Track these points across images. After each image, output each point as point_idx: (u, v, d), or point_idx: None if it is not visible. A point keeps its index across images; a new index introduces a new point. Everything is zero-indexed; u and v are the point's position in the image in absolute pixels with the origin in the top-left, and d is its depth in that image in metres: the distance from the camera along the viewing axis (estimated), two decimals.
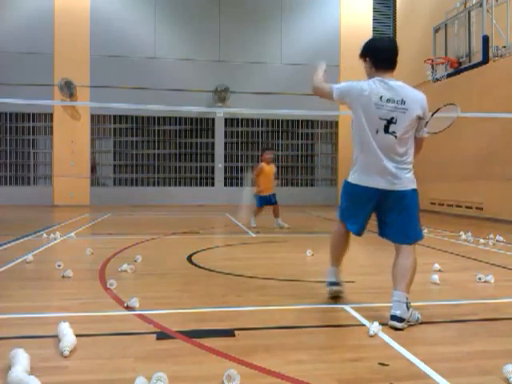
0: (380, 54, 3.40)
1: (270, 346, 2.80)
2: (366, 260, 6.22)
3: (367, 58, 3.44)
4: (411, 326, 3.21)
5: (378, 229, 3.53)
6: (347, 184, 3.52)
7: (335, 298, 3.82)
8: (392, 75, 3.41)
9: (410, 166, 3.36)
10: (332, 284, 3.78)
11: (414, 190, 3.37)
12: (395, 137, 3.25)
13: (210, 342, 2.84)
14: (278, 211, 9.47)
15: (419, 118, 3.32)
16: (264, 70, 17.74)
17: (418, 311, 3.26)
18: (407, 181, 3.32)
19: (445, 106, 3.56)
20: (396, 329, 3.10)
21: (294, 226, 9.60)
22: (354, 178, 3.45)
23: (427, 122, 3.40)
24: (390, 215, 3.38)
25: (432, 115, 3.45)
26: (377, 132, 3.27)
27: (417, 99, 3.31)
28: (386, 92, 3.28)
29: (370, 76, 3.44)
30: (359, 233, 3.56)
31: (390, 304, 3.22)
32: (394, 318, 3.13)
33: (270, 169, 9.40)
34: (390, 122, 3.24)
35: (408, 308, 3.16)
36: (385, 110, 3.25)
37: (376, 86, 3.31)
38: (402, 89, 3.31)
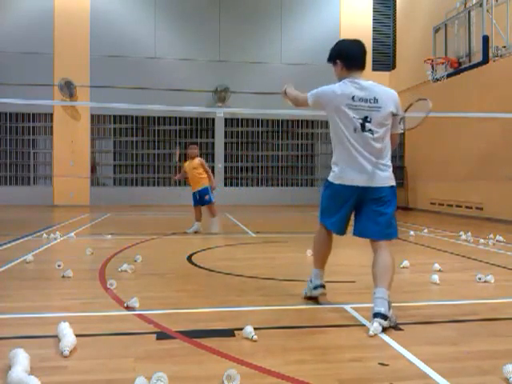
0: (350, 55, 3.48)
1: (270, 346, 2.80)
2: (366, 260, 6.20)
3: (337, 61, 3.51)
4: (409, 325, 3.21)
5: (353, 227, 3.54)
6: (328, 184, 3.57)
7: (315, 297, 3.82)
8: (362, 75, 3.49)
9: (388, 163, 3.43)
10: (318, 287, 3.76)
11: (392, 187, 3.44)
12: (372, 134, 3.33)
13: (209, 342, 2.84)
14: (212, 211, 8.67)
15: (393, 115, 3.40)
16: (264, 70, 17.72)
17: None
18: (384, 178, 3.39)
19: (416, 101, 3.58)
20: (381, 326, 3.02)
21: (295, 226, 9.62)
22: (334, 177, 3.50)
23: (402, 119, 3.47)
24: (367, 212, 3.41)
25: (405, 111, 3.53)
26: (354, 131, 3.35)
27: (389, 96, 3.41)
28: (358, 92, 3.36)
29: (340, 78, 3.51)
30: (341, 232, 3.60)
31: (372, 302, 3.16)
32: (378, 315, 3.06)
33: (189, 164, 8.73)
34: (365, 120, 3.32)
35: (390, 307, 3.12)
36: (359, 110, 3.33)
37: (347, 87, 3.38)
38: (374, 87, 3.40)
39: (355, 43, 3.55)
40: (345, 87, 3.39)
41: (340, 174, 3.44)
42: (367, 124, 3.32)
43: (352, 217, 3.59)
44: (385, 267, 3.28)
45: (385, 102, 3.36)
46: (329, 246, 3.75)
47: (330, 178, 3.53)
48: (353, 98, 3.34)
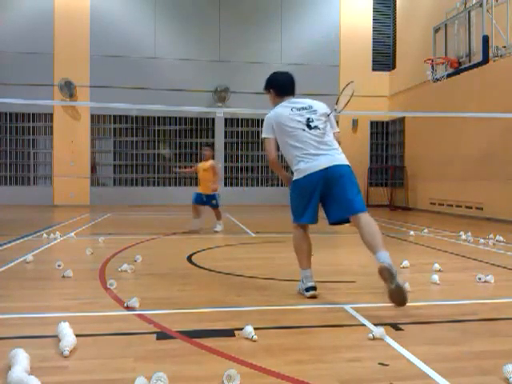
0: (280, 85, 4.16)
1: (270, 346, 2.80)
2: (366, 260, 6.20)
3: (271, 90, 4.17)
4: (409, 325, 3.21)
5: (327, 218, 3.92)
6: (294, 182, 3.94)
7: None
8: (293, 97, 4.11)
9: (339, 150, 3.94)
10: (309, 289, 3.92)
11: (349, 166, 3.89)
12: (319, 129, 3.89)
13: (210, 341, 2.84)
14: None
15: (327, 115, 4.01)
16: (264, 70, 17.55)
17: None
18: (342, 158, 3.88)
19: (342, 90, 4.17)
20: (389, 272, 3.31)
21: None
22: (299, 174, 3.87)
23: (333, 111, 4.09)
24: (337, 191, 3.76)
25: (337, 102, 4.14)
26: (303, 130, 3.88)
27: (319, 104, 4.06)
28: (294, 105, 4.00)
29: (275, 104, 4.11)
30: (314, 220, 3.93)
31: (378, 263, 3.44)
32: (385, 263, 3.38)
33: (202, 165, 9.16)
34: (308, 121, 3.90)
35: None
36: (300, 115, 3.93)
37: (285, 106, 4.02)
38: (306, 100, 4.06)
39: (284, 75, 4.21)
40: (283, 106, 4.01)
41: (305, 166, 3.81)
42: (311, 123, 3.89)
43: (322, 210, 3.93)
44: (372, 231, 3.60)
45: (317, 106, 4.01)
46: (308, 242, 4.05)
47: (295, 177, 3.91)
48: (291, 109, 3.95)
